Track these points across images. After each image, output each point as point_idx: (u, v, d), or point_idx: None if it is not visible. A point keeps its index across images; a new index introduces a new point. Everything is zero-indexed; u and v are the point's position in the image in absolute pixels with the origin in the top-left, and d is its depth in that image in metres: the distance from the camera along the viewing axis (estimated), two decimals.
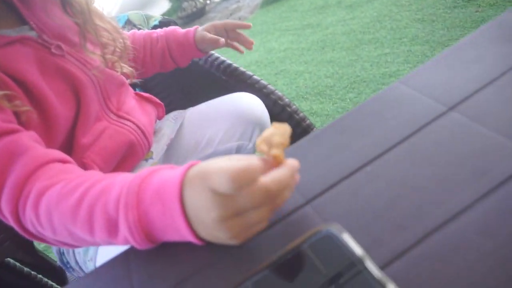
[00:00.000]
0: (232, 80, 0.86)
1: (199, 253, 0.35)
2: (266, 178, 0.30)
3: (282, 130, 0.35)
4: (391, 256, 0.29)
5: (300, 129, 0.80)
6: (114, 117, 0.64)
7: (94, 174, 0.41)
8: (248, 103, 0.76)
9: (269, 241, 0.34)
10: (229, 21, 0.81)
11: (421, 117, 0.39)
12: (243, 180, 0.28)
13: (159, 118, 0.79)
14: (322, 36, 2.50)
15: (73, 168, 0.45)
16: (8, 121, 0.46)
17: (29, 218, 0.41)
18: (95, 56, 0.62)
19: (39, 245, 1.34)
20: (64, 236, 0.39)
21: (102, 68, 0.63)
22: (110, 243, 0.38)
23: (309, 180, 0.37)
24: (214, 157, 0.33)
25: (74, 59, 0.59)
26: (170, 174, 0.34)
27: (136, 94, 0.74)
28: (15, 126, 0.46)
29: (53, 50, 0.56)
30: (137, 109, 0.70)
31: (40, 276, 0.95)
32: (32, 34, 0.56)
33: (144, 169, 0.37)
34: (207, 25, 0.81)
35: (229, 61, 0.88)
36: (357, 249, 0.29)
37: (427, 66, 0.45)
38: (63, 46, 0.58)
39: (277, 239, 0.34)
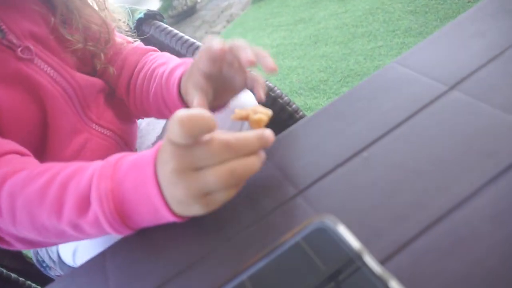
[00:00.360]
0: None
1: (181, 252, 0.32)
2: (227, 134, 0.29)
3: (266, 110, 0.35)
4: (392, 249, 0.26)
5: (293, 121, 0.77)
6: (96, 127, 0.59)
7: (61, 163, 0.38)
8: None
9: (257, 236, 0.31)
10: (209, 50, 0.41)
11: (420, 97, 0.36)
12: (194, 126, 0.27)
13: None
14: (315, 31, 2.47)
15: (33, 160, 0.42)
16: None
17: None
18: (73, 39, 0.55)
19: (28, 252, 1.30)
20: (25, 225, 0.36)
21: (80, 75, 0.56)
22: (76, 229, 0.35)
23: (300, 169, 0.34)
24: None
25: (45, 64, 0.52)
26: (149, 149, 0.33)
27: (118, 95, 0.68)
28: None
29: (19, 53, 0.49)
30: (119, 115, 0.64)
31: (28, 282, 0.92)
32: None
33: None
34: (191, 69, 0.46)
35: None
36: (354, 243, 0.25)
37: (423, 44, 0.42)
38: (32, 48, 0.50)
39: (265, 233, 0.31)
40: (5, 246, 0.41)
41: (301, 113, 0.79)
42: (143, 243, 0.34)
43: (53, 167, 0.36)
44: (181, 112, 0.27)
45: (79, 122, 0.56)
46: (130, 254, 0.34)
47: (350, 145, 0.34)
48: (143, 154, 0.33)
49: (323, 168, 0.34)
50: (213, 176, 0.29)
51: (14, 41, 0.49)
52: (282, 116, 0.78)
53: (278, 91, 0.80)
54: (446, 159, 0.30)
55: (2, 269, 0.86)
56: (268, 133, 0.31)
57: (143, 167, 0.31)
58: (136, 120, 0.71)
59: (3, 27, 0.48)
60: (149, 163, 0.31)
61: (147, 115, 0.65)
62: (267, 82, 0.82)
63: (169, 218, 0.31)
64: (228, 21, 3.47)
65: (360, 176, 0.32)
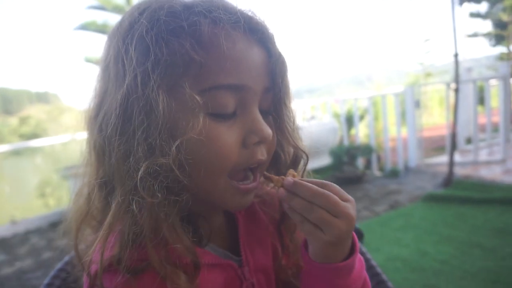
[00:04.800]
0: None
1: None
2: None
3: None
4: None
5: None
6: None
7: None
8: None
9: None
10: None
11: None
12: None
13: None
14: (495, 268, 2.01)
15: None
16: None
17: None
18: (286, 270, 0.56)
19: None
20: None
21: None
22: None
23: None
24: None
25: None
26: None
27: None
28: None
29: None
30: None
31: None
32: (235, 261, 0.52)
33: None
34: None
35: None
36: None
37: None
38: (256, 285, 0.52)
39: None
40: None
41: None
42: None
43: None
44: None
45: None
46: None
47: None
48: None
49: None
50: None
51: (246, 275, 0.51)
52: None
53: None
54: None
55: None
56: None
57: None
58: None
59: (243, 258, 0.52)
60: None
61: None
62: None
63: None
64: (391, 206, 3.33)
65: None
